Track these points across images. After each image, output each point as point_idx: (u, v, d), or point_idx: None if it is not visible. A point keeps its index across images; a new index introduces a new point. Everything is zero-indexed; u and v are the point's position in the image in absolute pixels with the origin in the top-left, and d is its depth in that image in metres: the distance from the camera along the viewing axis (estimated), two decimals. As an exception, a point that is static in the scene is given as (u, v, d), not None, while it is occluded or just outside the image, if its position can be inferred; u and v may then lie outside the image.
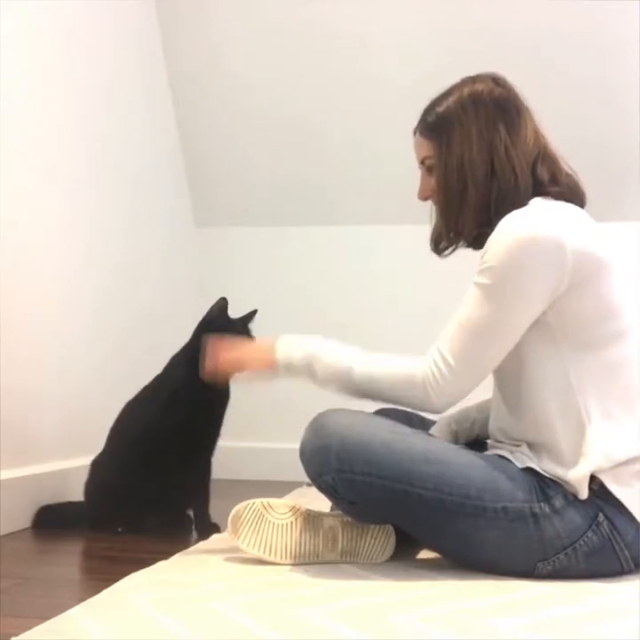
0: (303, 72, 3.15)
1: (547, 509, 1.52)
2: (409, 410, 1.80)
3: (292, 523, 1.67)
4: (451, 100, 1.64)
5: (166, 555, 1.71)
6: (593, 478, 1.52)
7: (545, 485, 1.54)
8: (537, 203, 1.58)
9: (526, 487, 1.54)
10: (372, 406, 1.79)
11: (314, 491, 1.67)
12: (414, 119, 1.69)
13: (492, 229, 1.55)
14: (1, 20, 2.12)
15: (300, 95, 3.20)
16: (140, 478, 2.03)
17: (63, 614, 1.27)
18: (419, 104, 1.69)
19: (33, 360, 2.25)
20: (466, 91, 1.64)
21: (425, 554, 1.73)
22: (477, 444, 1.76)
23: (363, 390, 1.62)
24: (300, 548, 1.66)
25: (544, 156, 1.63)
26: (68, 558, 1.89)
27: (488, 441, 1.72)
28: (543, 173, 1.61)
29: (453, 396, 1.56)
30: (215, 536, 1.95)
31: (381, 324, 3.17)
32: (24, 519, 2.12)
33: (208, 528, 2.00)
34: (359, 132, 3.22)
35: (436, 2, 2.98)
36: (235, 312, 2.09)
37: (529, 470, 1.56)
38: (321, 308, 3.29)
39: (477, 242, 1.64)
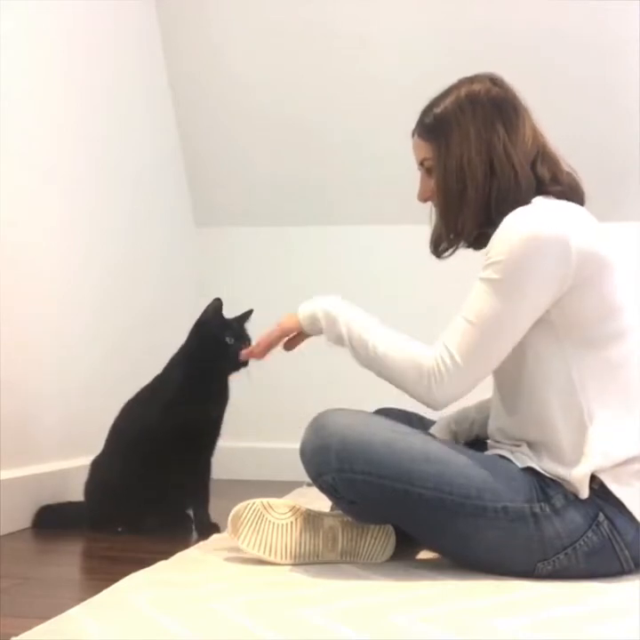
0: (303, 72, 3.15)
1: (547, 509, 1.52)
2: (409, 409, 1.81)
3: (291, 523, 1.67)
4: (448, 100, 1.64)
5: (166, 555, 1.71)
6: (593, 478, 1.52)
7: (545, 485, 1.54)
8: (540, 201, 1.58)
9: (526, 487, 1.54)
10: (371, 406, 1.80)
11: (314, 491, 1.67)
12: (414, 119, 1.69)
13: (494, 229, 1.55)
14: (1, 20, 2.12)
15: (299, 95, 3.20)
16: (140, 478, 2.03)
17: (63, 614, 1.27)
18: (419, 104, 1.69)
19: (33, 360, 2.25)
20: (463, 91, 1.64)
21: (425, 554, 1.73)
22: (477, 443, 1.76)
23: (375, 366, 1.61)
24: (300, 548, 1.66)
25: (543, 155, 1.63)
26: (68, 558, 1.89)
27: (488, 441, 1.72)
28: (544, 172, 1.61)
29: (455, 391, 1.56)
30: (215, 536, 1.95)
31: (385, 323, 3.17)
32: (24, 519, 2.12)
33: (208, 528, 2.00)
34: (359, 132, 3.22)
35: (435, 2, 2.98)
36: (235, 312, 2.09)
37: (529, 470, 1.56)
38: (321, 308, 3.28)
39: (478, 242, 1.65)
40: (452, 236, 1.67)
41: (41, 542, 2.02)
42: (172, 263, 3.26)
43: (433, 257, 1.73)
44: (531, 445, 1.59)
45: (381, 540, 1.68)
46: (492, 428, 1.70)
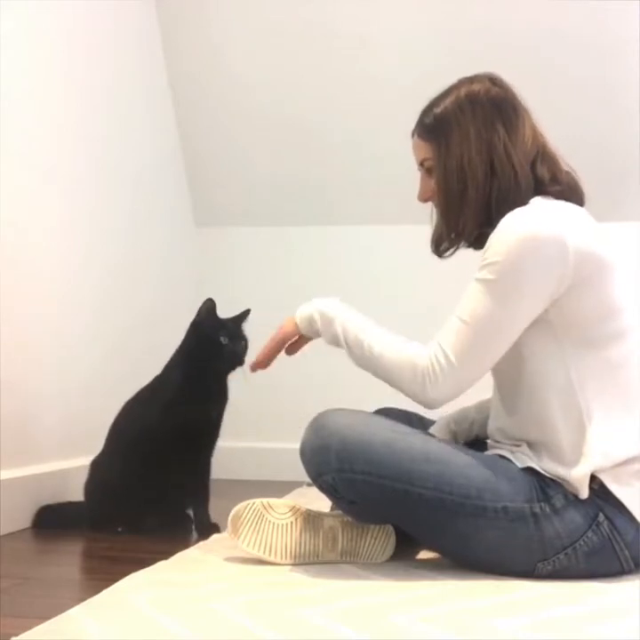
0: (303, 72, 3.15)
1: (547, 509, 1.52)
2: (409, 409, 1.81)
3: (292, 523, 1.67)
4: (448, 101, 1.64)
5: (166, 555, 1.71)
6: (593, 478, 1.52)
7: (545, 485, 1.54)
8: (538, 202, 1.58)
9: (526, 487, 1.54)
10: (371, 405, 1.80)
11: (314, 491, 1.67)
12: (414, 119, 1.69)
13: (494, 229, 1.55)
14: (1, 20, 2.12)
15: (300, 95, 3.20)
16: (140, 478, 2.03)
17: (63, 614, 1.27)
18: (419, 104, 1.69)
19: (33, 360, 2.25)
20: (463, 91, 1.64)
21: (425, 554, 1.73)
22: (477, 443, 1.76)
23: (370, 366, 1.62)
24: (300, 548, 1.66)
25: (543, 154, 1.63)
26: (68, 558, 1.89)
27: (488, 441, 1.72)
28: (543, 172, 1.61)
29: (450, 391, 1.55)
30: (215, 536, 1.95)
31: (381, 324, 3.17)
32: (24, 519, 2.12)
33: (208, 528, 2.00)
34: (359, 132, 3.22)
35: (435, 2, 2.97)
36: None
37: (529, 470, 1.56)
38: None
39: (478, 242, 1.64)
40: (452, 236, 1.67)
41: (41, 542, 2.02)
42: (172, 263, 3.26)
43: (433, 257, 1.73)
44: (531, 445, 1.59)
45: (381, 539, 1.68)
46: (492, 427, 1.70)
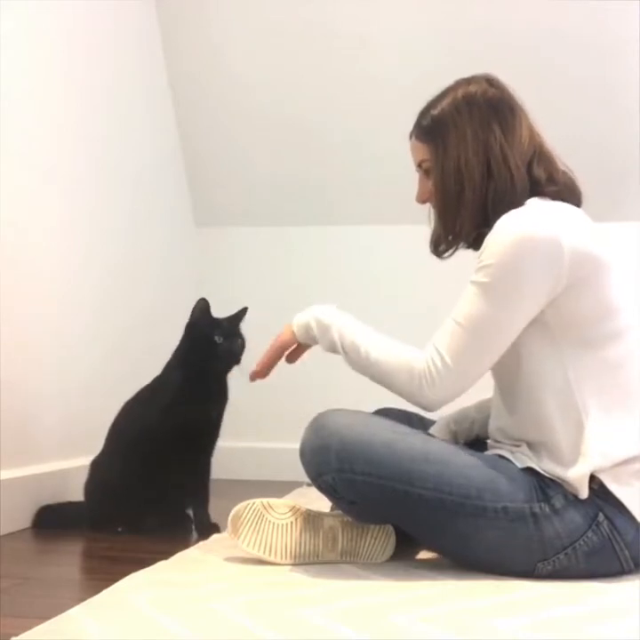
0: (303, 72, 3.15)
1: (547, 509, 1.52)
2: (409, 409, 1.81)
3: (292, 523, 1.67)
4: (445, 102, 1.64)
5: (166, 555, 1.71)
6: (593, 478, 1.52)
7: (545, 485, 1.54)
8: (534, 203, 1.58)
9: (526, 487, 1.54)
10: (371, 406, 1.80)
11: (314, 491, 1.67)
12: (414, 119, 1.69)
13: (490, 230, 1.55)
14: (1, 20, 2.12)
15: (300, 95, 3.20)
16: (140, 478, 2.03)
17: (63, 614, 1.27)
18: (418, 104, 1.69)
19: (33, 360, 2.25)
20: (460, 92, 1.64)
21: (425, 554, 1.73)
22: (477, 443, 1.76)
23: (368, 371, 1.62)
24: (300, 548, 1.66)
25: (540, 155, 1.63)
26: (68, 558, 1.89)
27: (488, 441, 1.73)
28: (540, 173, 1.61)
29: (447, 393, 1.56)
30: (215, 536, 1.95)
31: (381, 324, 3.16)
32: (24, 519, 2.12)
33: (208, 528, 2.00)
34: (359, 132, 3.22)
35: (435, 2, 2.97)
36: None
37: (529, 470, 1.56)
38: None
39: (477, 243, 1.64)
40: (450, 238, 1.67)
41: (41, 542, 2.02)
42: (172, 263, 3.26)
43: (433, 257, 1.73)
44: (530, 445, 1.59)
45: (381, 539, 1.68)
46: (492, 427, 1.70)
